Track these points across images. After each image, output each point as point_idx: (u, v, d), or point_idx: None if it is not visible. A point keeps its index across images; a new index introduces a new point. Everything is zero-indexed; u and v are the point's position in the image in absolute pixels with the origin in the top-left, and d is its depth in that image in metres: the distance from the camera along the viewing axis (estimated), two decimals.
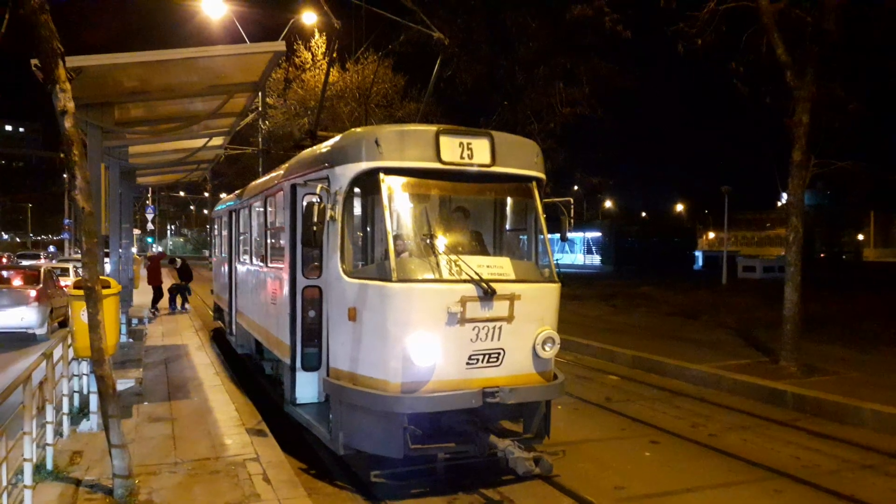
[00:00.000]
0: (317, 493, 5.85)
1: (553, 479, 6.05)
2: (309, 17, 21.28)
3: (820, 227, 52.81)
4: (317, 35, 24.48)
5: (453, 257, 5.75)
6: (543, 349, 5.98)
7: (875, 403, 8.32)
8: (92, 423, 6.83)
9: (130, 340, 11.32)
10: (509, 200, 7.10)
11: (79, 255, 9.65)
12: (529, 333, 5.94)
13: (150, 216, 42.56)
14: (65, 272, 19.45)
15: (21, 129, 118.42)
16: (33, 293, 14.03)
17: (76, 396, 7.42)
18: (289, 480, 5.59)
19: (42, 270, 15.59)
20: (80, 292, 5.46)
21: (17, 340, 13.79)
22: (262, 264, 9.03)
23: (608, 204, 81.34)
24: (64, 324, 15.12)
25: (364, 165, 5.85)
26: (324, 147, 6.68)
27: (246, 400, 8.41)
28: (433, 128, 6.02)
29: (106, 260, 10.99)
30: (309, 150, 7.47)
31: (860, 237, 64.61)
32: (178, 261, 19.87)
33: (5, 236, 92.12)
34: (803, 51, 10.60)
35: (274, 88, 25.58)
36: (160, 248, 31.15)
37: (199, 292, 26.52)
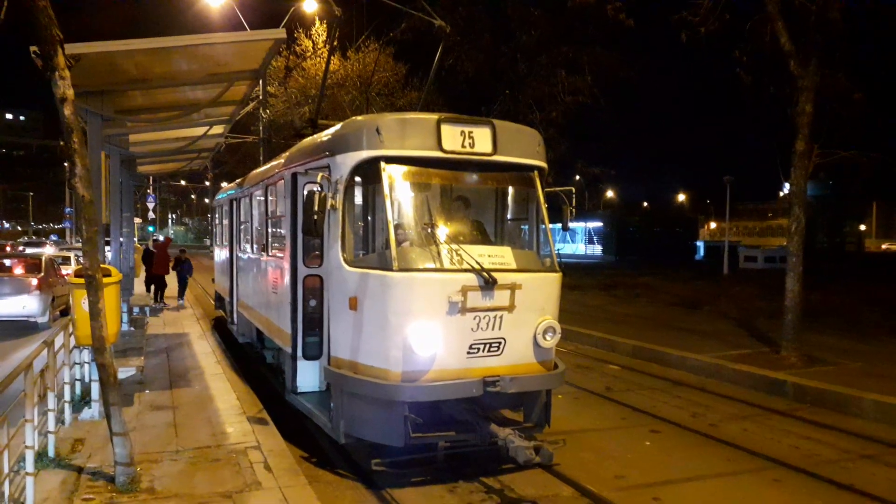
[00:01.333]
0: (318, 481, 5.87)
1: (553, 468, 6.07)
2: (310, 5, 21.19)
3: (822, 218, 52.66)
4: (318, 23, 24.35)
5: (454, 246, 5.74)
6: (544, 339, 5.98)
7: (875, 393, 8.32)
8: (93, 411, 6.85)
9: (132, 329, 11.35)
10: (511, 189, 7.07)
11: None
12: (530, 323, 5.93)
13: (150, 205, 42.57)
14: (66, 260, 19.43)
15: (21, 118, 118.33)
16: (35, 281, 14.07)
17: (78, 384, 7.44)
18: (290, 468, 5.61)
19: (43, 259, 15.60)
20: (81, 281, 5.45)
21: (18, 328, 13.84)
22: (263, 253, 9.02)
23: (610, 194, 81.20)
24: (66, 312, 15.15)
25: (365, 154, 5.83)
26: (325, 136, 6.65)
27: (247, 388, 8.43)
28: (434, 116, 5.99)
29: (107, 248, 10.99)
30: (310, 138, 7.44)
31: (862, 227, 64.52)
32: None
33: (6, 225, 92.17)
34: (807, 40, 10.53)
35: (274, 77, 25.48)
36: (159, 237, 30.47)
37: (200, 281, 26.57)
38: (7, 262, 15.63)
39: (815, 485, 6.05)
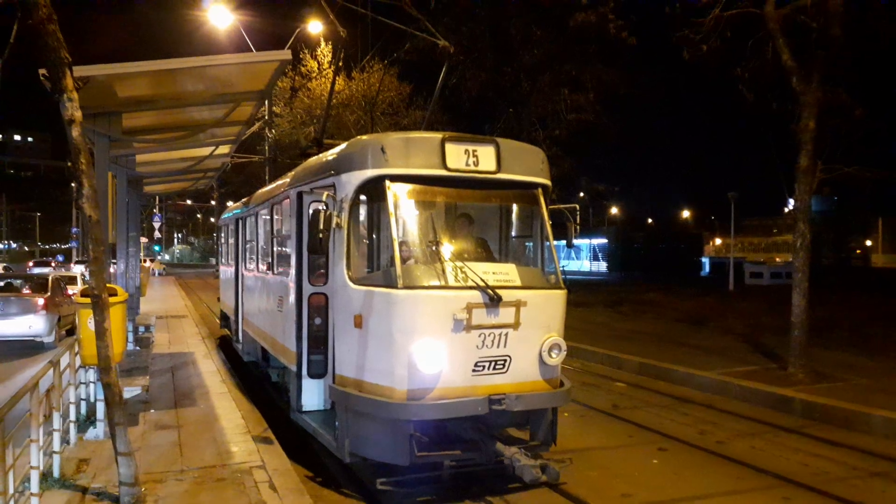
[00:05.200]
0: (323, 500, 5.85)
1: (560, 487, 6.02)
2: (315, 27, 21.42)
3: (827, 233, 52.58)
4: (323, 44, 24.63)
5: (459, 264, 5.75)
6: (550, 356, 5.96)
7: (885, 410, 8.25)
8: (98, 430, 6.85)
9: (137, 348, 11.35)
10: (515, 207, 7.10)
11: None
12: (536, 340, 5.92)
13: (156, 224, 42.83)
14: (72, 280, 19.55)
15: (30, 139, 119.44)
16: (41, 301, 14.14)
17: (83, 404, 7.43)
18: (295, 488, 5.58)
19: (50, 279, 15.71)
20: (87, 300, 5.48)
21: (25, 348, 13.89)
22: (268, 272, 9.05)
23: (614, 210, 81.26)
24: (72, 332, 15.18)
25: (370, 173, 5.87)
26: (330, 155, 6.70)
27: (252, 407, 8.41)
28: (438, 135, 6.04)
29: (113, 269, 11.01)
30: (315, 157, 7.49)
31: (868, 243, 64.30)
32: None
33: (13, 245, 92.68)
34: (809, 56, 10.59)
35: (280, 97, 25.73)
36: None
37: (205, 300, 26.63)
38: (14, 282, 15.75)
39: (824, 503, 5.98)
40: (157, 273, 50.84)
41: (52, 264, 41.84)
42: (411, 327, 5.50)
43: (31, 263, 42.91)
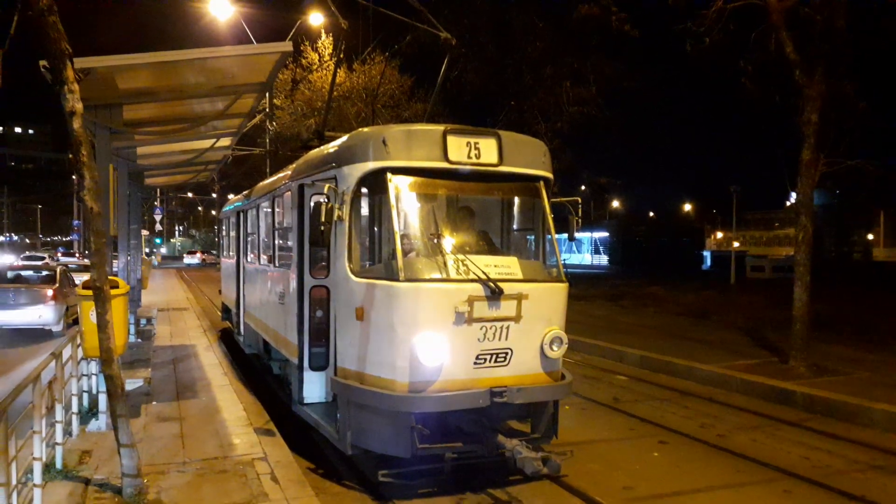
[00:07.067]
0: (324, 492, 5.86)
1: (561, 480, 6.04)
2: (316, 18, 21.32)
3: (829, 227, 52.48)
4: (324, 36, 24.52)
5: (460, 257, 5.74)
6: (551, 349, 5.96)
7: (886, 404, 8.26)
8: (101, 422, 6.87)
9: (139, 340, 11.38)
10: (517, 200, 7.08)
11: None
12: (537, 333, 5.92)
13: (158, 217, 42.90)
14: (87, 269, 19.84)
15: (31, 131, 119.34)
16: (50, 292, 14.51)
17: (85, 396, 7.46)
18: (297, 480, 5.61)
19: (58, 270, 16.01)
20: (89, 293, 5.48)
21: (34, 336, 14.19)
22: (269, 264, 9.05)
23: (616, 204, 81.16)
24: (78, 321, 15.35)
25: (371, 165, 5.85)
26: (331, 147, 6.69)
27: (254, 399, 8.43)
28: (440, 127, 6.02)
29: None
30: (316, 150, 7.47)
31: (870, 236, 64.18)
32: None
33: (15, 237, 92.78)
34: (812, 49, 10.53)
35: (281, 89, 25.62)
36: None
37: (206, 292, 26.66)
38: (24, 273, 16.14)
39: (825, 496, 5.99)
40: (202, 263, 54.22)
41: (76, 254, 49.18)
42: (413, 320, 5.49)
43: (59, 253, 51.72)
